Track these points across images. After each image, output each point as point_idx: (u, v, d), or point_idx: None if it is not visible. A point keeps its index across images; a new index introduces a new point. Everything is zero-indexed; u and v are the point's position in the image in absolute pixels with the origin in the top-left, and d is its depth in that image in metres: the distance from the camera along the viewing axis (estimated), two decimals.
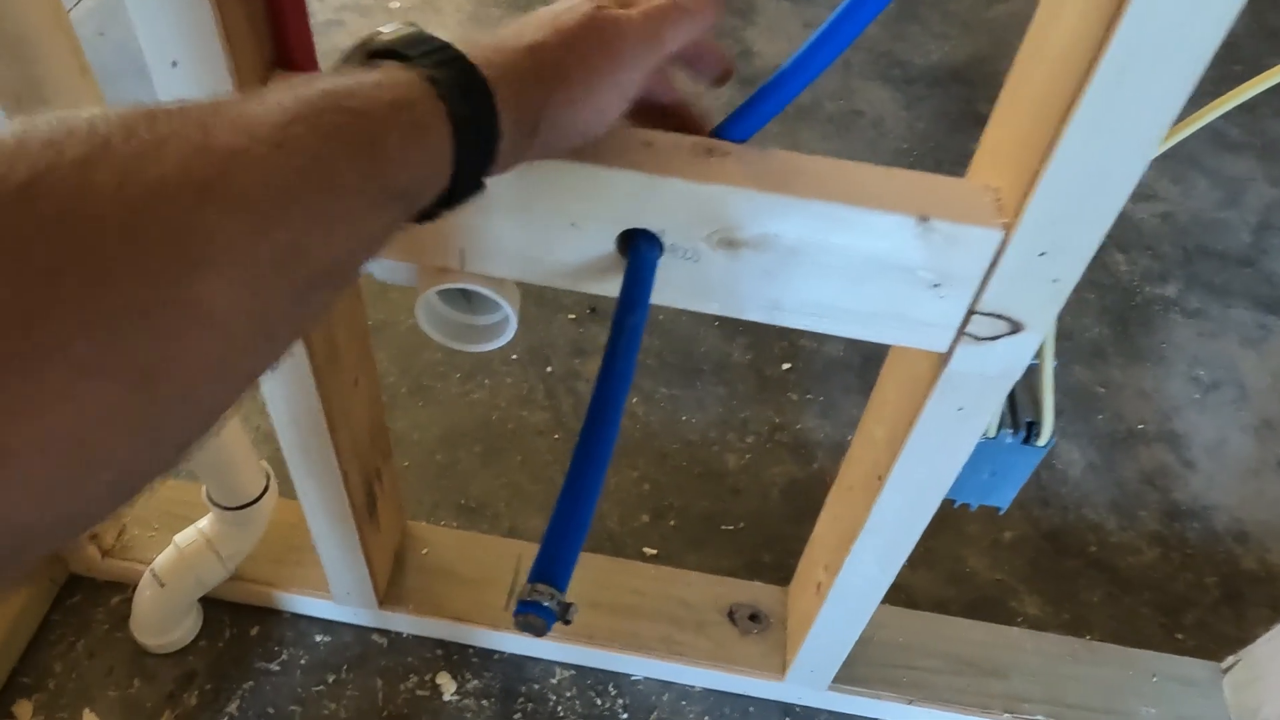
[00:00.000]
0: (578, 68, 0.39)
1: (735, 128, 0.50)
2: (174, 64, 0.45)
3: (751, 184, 0.47)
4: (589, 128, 0.41)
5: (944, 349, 0.53)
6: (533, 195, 0.49)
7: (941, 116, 1.61)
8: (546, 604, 0.35)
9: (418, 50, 0.34)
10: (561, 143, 0.41)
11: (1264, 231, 1.47)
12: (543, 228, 0.50)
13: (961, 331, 0.51)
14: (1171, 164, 1.54)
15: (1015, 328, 0.51)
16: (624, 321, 0.46)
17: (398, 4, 1.76)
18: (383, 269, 0.58)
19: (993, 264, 0.48)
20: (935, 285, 0.50)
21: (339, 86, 0.30)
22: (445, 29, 1.65)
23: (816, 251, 0.49)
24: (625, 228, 0.50)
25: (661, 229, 0.49)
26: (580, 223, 0.50)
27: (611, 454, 0.41)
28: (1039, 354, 0.59)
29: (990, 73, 1.68)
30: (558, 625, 0.36)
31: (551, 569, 0.36)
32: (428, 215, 0.36)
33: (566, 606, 0.36)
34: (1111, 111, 0.40)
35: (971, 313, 0.50)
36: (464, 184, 0.35)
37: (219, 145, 0.24)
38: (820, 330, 0.54)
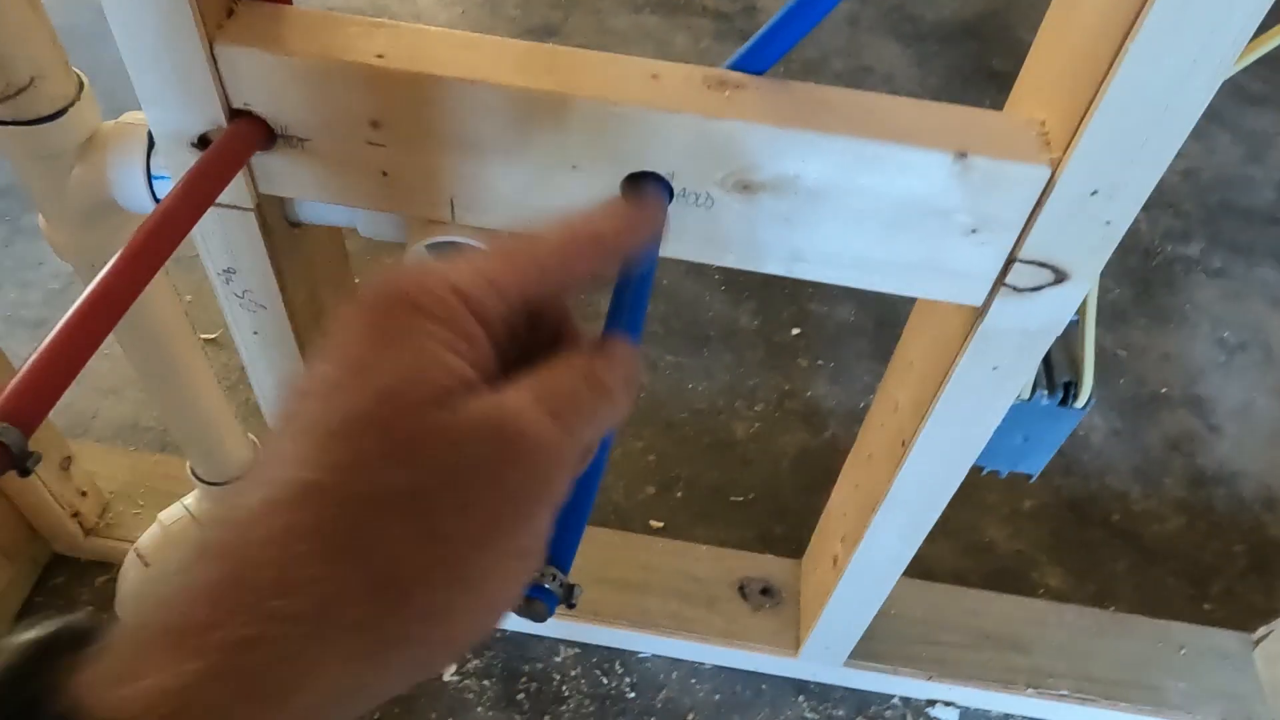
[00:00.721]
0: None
1: (752, 59, 0.45)
2: None
3: (769, 119, 0.43)
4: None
5: (980, 302, 0.48)
6: (529, 135, 0.44)
7: (954, 73, 1.55)
8: (548, 586, 0.31)
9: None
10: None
11: None
12: (540, 172, 0.46)
13: (1000, 282, 0.47)
14: None
15: (1060, 277, 0.46)
16: (631, 274, 0.42)
17: None
18: (367, 222, 0.53)
19: (1037, 205, 0.43)
20: (973, 231, 0.45)
21: None
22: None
23: (842, 194, 0.44)
24: (631, 170, 0.45)
25: (671, 171, 0.45)
26: (581, 165, 0.45)
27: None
28: (1080, 309, 0.55)
29: (1003, 27, 1.62)
30: (561, 606, 0.32)
31: (553, 548, 0.32)
32: None
33: (570, 589, 0.32)
34: (1179, 30, 0.36)
35: (1012, 261, 0.46)
36: None
37: None
38: (845, 284, 0.49)
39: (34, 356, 0.34)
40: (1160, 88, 0.38)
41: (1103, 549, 1.01)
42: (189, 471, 0.80)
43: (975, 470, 0.65)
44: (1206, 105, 0.38)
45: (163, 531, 0.81)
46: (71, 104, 0.52)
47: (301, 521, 0.20)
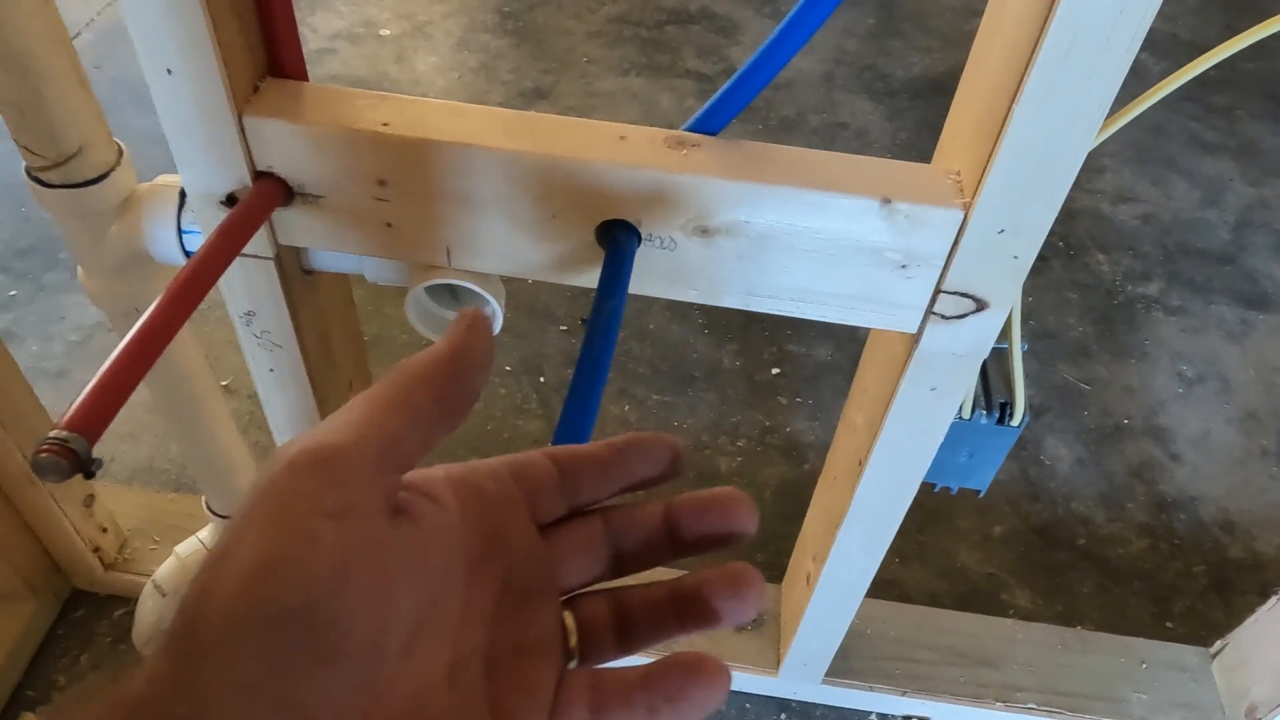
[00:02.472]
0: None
1: (707, 121, 0.52)
2: (169, 71, 0.48)
3: (721, 173, 0.49)
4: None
5: (914, 329, 0.55)
6: (514, 190, 0.51)
7: (924, 126, 1.64)
8: None
9: None
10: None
11: (1243, 230, 1.49)
12: (525, 221, 0.53)
13: (930, 311, 0.53)
14: (1151, 166, 1.57)
15: (980, 305, 0.53)
16: (602, 307, 0.48)
17: (388, 31, 1.79)
18: (373, 268, 0.60)
19: (955, 243, 0.50)
20: (903, 266, 0.52)
21: None
22: (436, 54, 1.68)
23: (786, 236, 0.51)
24: (603, 219, 0.52)
25: (638, 219, 0.52)
26: (560, 215, 0.52)
27: (593, 429, 0.43)
28: (1009, 337, 0.62)
29: None
30: None
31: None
32: None
33: None
34: (1054, 92, 0.43)
35: (938, 292, 0.52)
36: None
37: None
38: (796, 315, 0.56)
39: (93, 381, 0.41)
40: (1043, 145, 0.45)
41: (1069, 571, 1.06)
42: (204, 506, 0.86)
43: (941, 496, 0.71)
44: (1082, 161, 0.45)
45: (179, 563, 0.87)
46: (113, 169, 0.59)
47: None
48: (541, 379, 1.20)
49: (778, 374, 1.23)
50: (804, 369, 1.24)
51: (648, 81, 1.70)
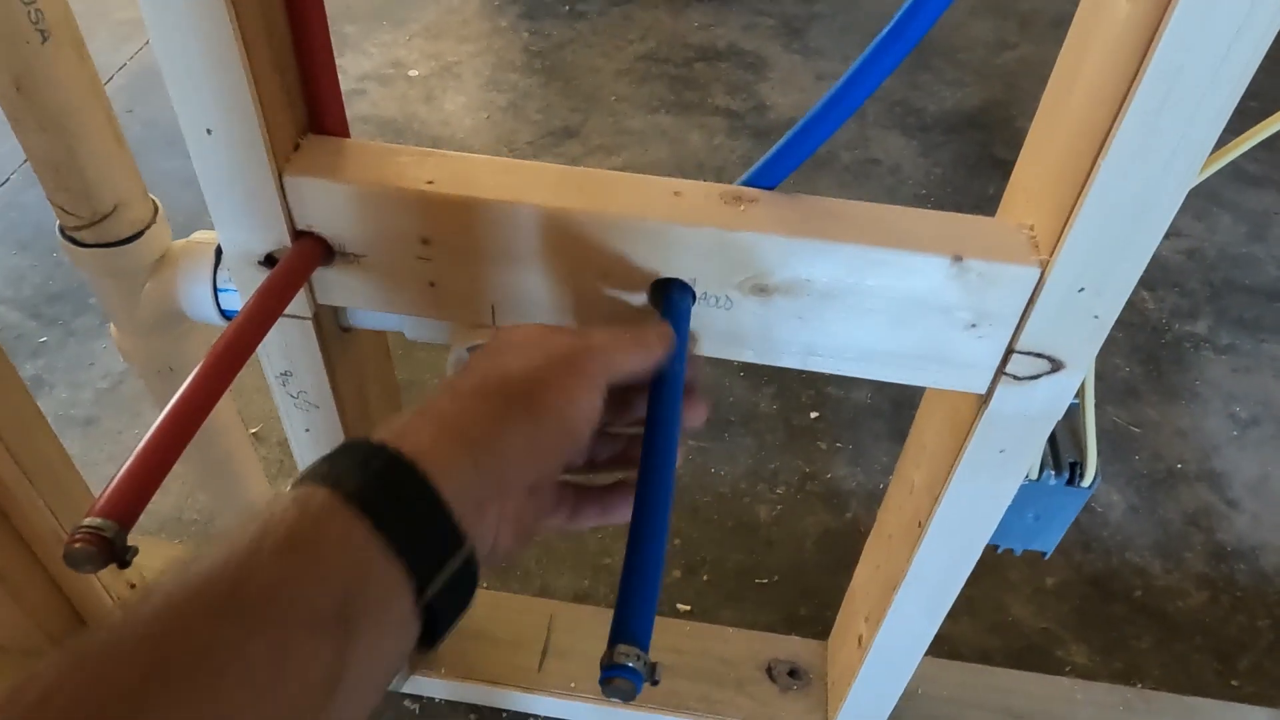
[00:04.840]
0: (546, 395, 0.37)
1: (763, 175, 0.50)
2: (209, 131, 0.46)
3: (781, 230, 0.47)
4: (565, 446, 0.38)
5: (983, 390, 0.52)
6: (564, 248, 0.49)
7: (958, 161, 1.61)
8: (632, 665, 0.33)
9: (340, 466, 0.33)
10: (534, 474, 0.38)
11: None
12: (574, 280, 0.50)
13: (1001, 371, 0.51)
14: (1194, 200, 1.54)
15: (1056, 366, 0.50)
16: (664, 371, 0.45)
17: (416, 72, 1.79)
18: (415, 327, 0.58)
19: (1030, 302, 0.47)
20: (972, 325, 0.49)
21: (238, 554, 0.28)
22: (465, 94, 1.67)
23: (849, 295, 0.49)
24: (657, 278, 0.49)
25: (693, 277, 0.49)
26: (611, 274, 0.49)
27: (672, 498, 0.40)
28: (1079, 393, 0.58)
29: (1004, 117, 1.69)
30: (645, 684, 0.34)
31: (633, 627, 0.34)
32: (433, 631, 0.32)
33: (653, 666, 0.34)
34: (1148, 143, 0.40)
35: (1010, 352, 0.49)
36: (438, 575, 0.31)
37: None
38: (857, 375, 0.53)
39: (130, 460, 0.38)
40: (1134, 195, 0.42)
41: (1127, 625, 1.01)
42: None
43: (991, 548, 0.68)
44: (1177, 209, 0.42)
45: None
46: (147, 227, 0.57)
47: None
48: None
49: (816, 418, 1.20)
50: (843, 413, 1.21)
51: (677, 119, 1.69)
